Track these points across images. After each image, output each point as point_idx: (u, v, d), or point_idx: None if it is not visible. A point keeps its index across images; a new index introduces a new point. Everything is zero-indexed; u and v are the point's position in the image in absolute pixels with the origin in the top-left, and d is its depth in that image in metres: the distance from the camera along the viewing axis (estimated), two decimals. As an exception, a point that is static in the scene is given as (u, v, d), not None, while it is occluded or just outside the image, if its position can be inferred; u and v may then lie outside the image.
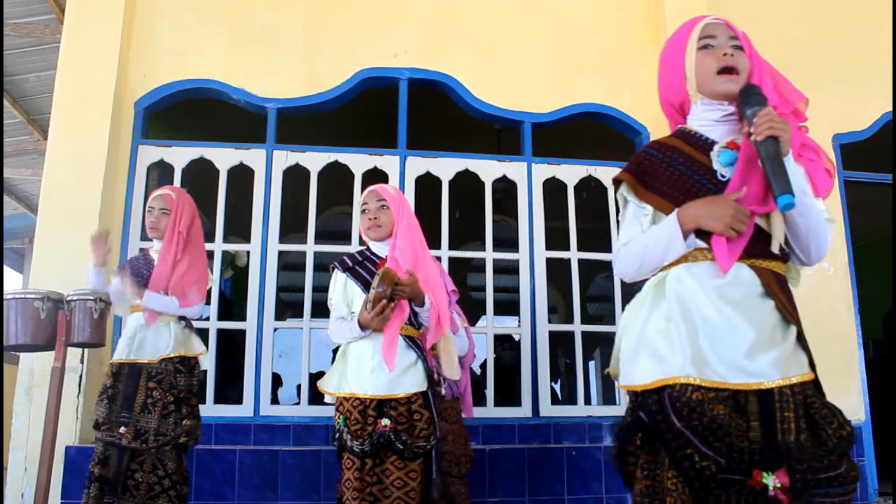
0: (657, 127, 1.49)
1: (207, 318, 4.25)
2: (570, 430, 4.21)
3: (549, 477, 3.87)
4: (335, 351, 5.12)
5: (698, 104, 1.59)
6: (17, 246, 10.34)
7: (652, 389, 1.41)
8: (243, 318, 4.27)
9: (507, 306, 8.07)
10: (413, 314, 2.55)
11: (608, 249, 4.48)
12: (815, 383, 1.43)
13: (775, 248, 1.49)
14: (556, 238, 4.55)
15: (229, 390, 5.61)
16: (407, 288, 2.43)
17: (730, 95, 1.53)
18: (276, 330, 4.25)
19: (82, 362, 3.77)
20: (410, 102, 4.53)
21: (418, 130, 4.57)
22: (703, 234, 1.46)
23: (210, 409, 4.05)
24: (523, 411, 4.25)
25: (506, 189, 4.85)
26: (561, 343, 7.25)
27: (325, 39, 4.52)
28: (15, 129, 6.96)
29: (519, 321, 4.48)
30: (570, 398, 8.16)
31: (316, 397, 4.33)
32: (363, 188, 4.38)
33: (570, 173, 4.58)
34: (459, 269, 7.69)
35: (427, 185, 4.48)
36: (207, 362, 3.13)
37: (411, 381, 2.48)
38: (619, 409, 4.56)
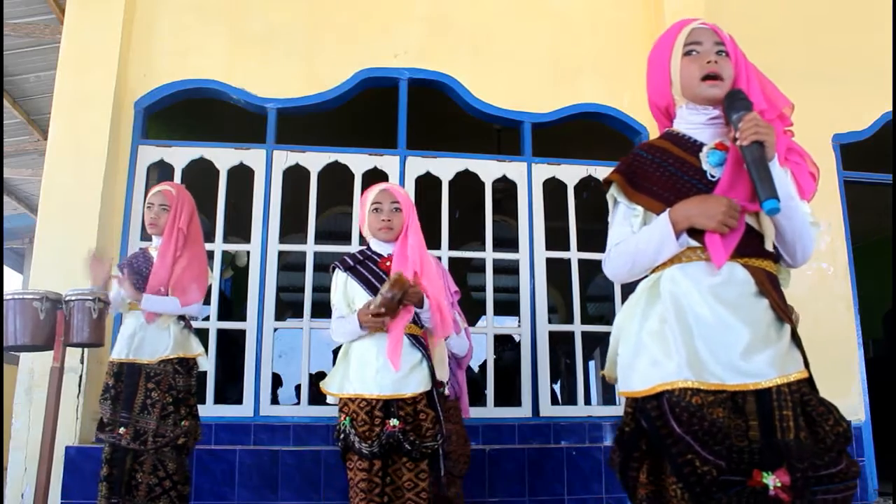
0: (657, 127, 1.49)
1: (207, 318, 4.25)
2: (570, 430, 4.21)
3: (549, 477, 3.87)
4: (335, 351, 5.14)
5: (683, 108, 1.60)
6: (17, 246, 10.34)
7: (651, 395, 1.40)
8: (243, 318, 4.27)
9: (507, 306, 8.08)
10: (415, 314, 2.54)
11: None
12: (810, 381, 1.44)
13: (769, 247, 1.49)
14: (556, 238, 4.55)
15: (229, 390, 5.61)
16: (418, 293, 2.44)
17: (714, 100, 1.55)
18: (276, 330, 4.25)
19: (82, 362, 3.77)
20: (410, 102, 4.53)
21: (418, 130, 4.57)
22: (695, 233, 1.47)
23: (210, 410, 4.05)
24: (523, 411, 4.25)
25: (506, 189, 4.85)
26: (561, 343, 7.25)
27: (325, 39, 4.52)
28: (15, 129, 6.96)
29: (519, 321, 4.48)
30: (570, 398, 8.16)
31: (316, 397, 4.33)
32: (363, 188, 4.40)
33: (570, 173, 4.58)
34: (459, 269, 7.69)
35: (427, 185, 4.48)
36: (206, 363, 3.12)
37: (417, 381, 2.47)
38: (619, 409, 4.56)
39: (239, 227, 4.72)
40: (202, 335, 5.39)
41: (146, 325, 2.94)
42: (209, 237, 4.67)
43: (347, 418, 2.43)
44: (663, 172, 1.55)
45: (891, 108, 4.71)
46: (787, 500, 1.30)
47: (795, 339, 1.45)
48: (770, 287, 1.47)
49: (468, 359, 3.29)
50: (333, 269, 2.64)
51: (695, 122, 1.59)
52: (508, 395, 5.29)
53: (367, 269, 2.57)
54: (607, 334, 1.65)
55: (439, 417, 2.48)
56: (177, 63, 4.36)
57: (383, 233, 2.58)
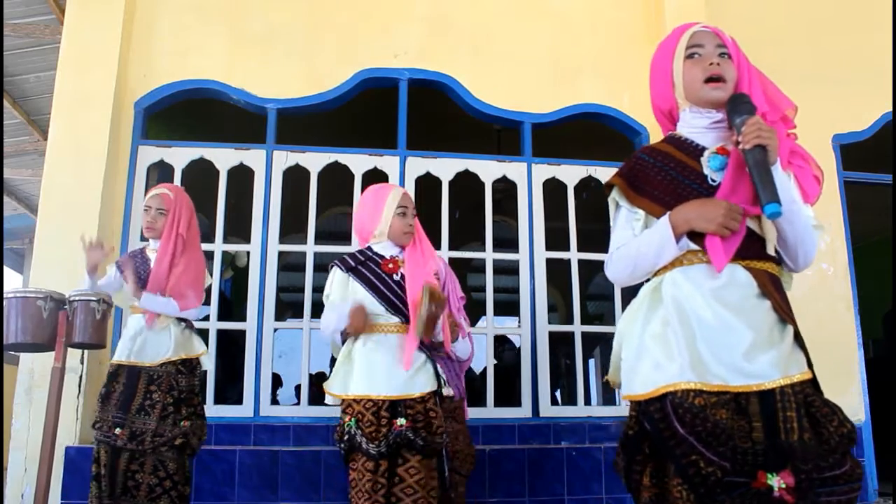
0: (657, 127, 1.49)
1: (207, 319, 4.25)
2: (570, 431, 4.22)
3: (549, 477, 3.87)
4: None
5: (687, 111, 1.61)
6: (17, 246, 10.34)
7: (654, 398, 1.41)
8: (243, 318, 4.27)
9: (507, 307, 8.07)
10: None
11: (608, 249, 4.48)
12: (814, 382, 1.44)
13: (770, 250, 1.50)
14: (556, 238, 4.55)
15: (229, 390, 5.61)
16: (444, 301, 2.49)
17: (717, 103, 1.55)
18: (276, 330, 4.25)
19: (82, 363, 3.77)
20: (410, 103, 4.53)
21: (418, 131, 4.57)
22: (696, 237, 1.47)
23: (210, 410, 4.04)
24: (523, 412, 4.25)
25: (506, 189, 4.85)
26: (561, 344, 7.25)
27: (325, 39, 4.52)
28: (15, 130, 6.96)
29: (519, 321, 4.48)
30: (570, 398, 8.16)
31: (316, 398, 4.33)
32: (363, 188, 4.39)
33: (570, 173, 4.58)
34: (459, 270, 7.69)
35: (427, 185, 4.48)
36: (208, 362, 3.13)
37: (424, 381, 2.48)
38: (619, 409, 4.56)
39: (239, 228, 4.72)
40: (202, 335, 5.39)
41: (148, 328, 2.93)
42: (209, 237, 4.67)
43: (353, 419, 2.42)
44: (665, 176, 1.56)
45: (891, 109, 4.71)
46: (791, 501, 1.30)
47: (798, 340, 1.45)
48: (772, 289, 1.47)
49: (469, 362, 3.30)
50: (332, 267, 2.62)
51: (698, 126, 1.59)
52: (508, 395, 5.29)
53: (370, 271, 2.56)
54: (607, 334, 1.66)
55: (454, 419, 2.51)
56: (177, 63, 4.36)
57: (407, 237, 2.58)
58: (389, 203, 2.59)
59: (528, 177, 4.54)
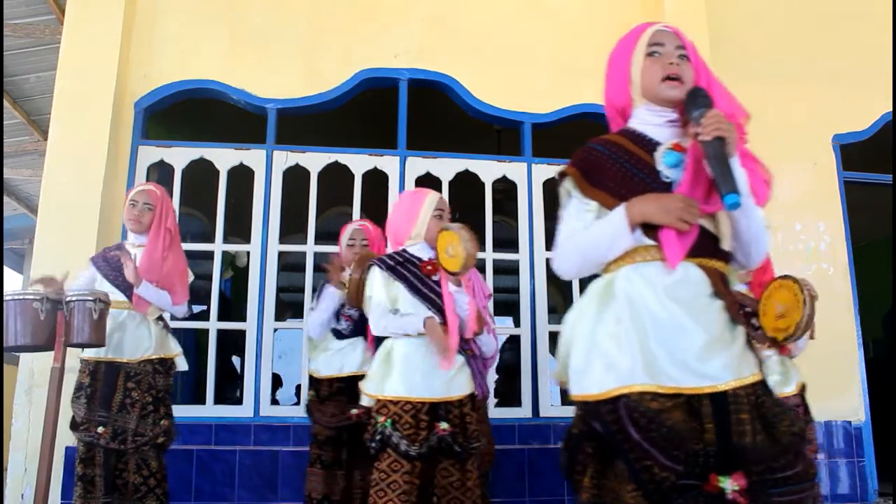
0: (610, 127, 1.50)
1: (207, 318, 4.25)
2: (570, 431, 4.21)
3: (549, 477, 3.87)
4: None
5: (642, 108, 1.59)
6: (17, 246, 10.34)
7: (606, 399, 1.37)
8: (243, 318, 4.27)
9: (507, 307, 8.07)
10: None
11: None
12: (764, 383, 1.42)
13: (727, 246, 1.48)
14: (556, 238, 4.54)
15: (228, 390, 5.62)
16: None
17: (673, 102, 1.54)
18: (276, 330, 4.26)
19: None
20: (410, 103, 4.53)
21: (418, 131, 4.57)
22: (650, 232, 1.45)
23: (210, 410, 4.05)
24: (523, 412, 4.25)
25: (506, 189, 4.85)
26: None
27: (325, 39, 4.52)
28: (15, 130, 6.96)
29: (519, 321, 4.48)
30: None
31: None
32: (363, 189, 4.41)
33: (570, 173, 4.56)
34: (459, 270, 7.68)
35: (427, 185, 4.46)
36: (184, 364, 3.17)
37: (461, 384, 2.51)
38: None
39: (239, 228, 4.72)
40: (203, 335, 5.39)
41: (124, 325, 2.94)
42: (209, 237, 4.68)
43: (388, 420, 2.43)
44: (619, 169, 1.53)
45: (891, 108, 4.71)
46: (743, 503, 1.28)
47: (749, 341, 1.44)
48: (724, 288, 1.46)
49: (493, 360, 3.31)
50: (370, 267, 2.65)
51: (652, 123, 1.57)
52: (508, 395, 5.29)
53: (409, 272, 2.59)
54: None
55: (477, 419, 2.52)
56: (177, 63, 4.36)
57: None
58: (427, 206, 2.64)
59: (528, 177, 4.54)
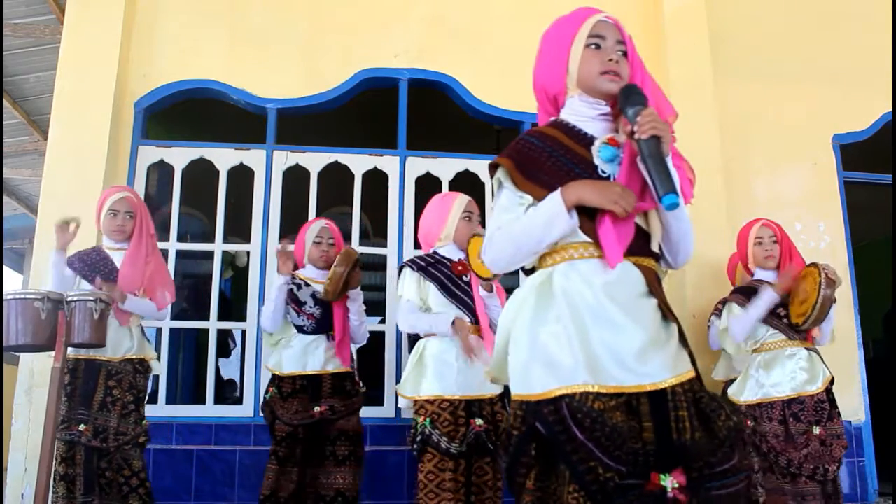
0: (538, 112, 1.51)
1: (207, 318, 4.25)
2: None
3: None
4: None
5: (575, 98, 1.57)
6: (17, 246, 10.34)
7: (547, 399, 1.35)
8: (243, 318, 4.27)
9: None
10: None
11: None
12: (699, 378, 1.42)
13: (655, 247, 1.47)
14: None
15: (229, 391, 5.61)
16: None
17: (609, 95, 1.52)
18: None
19: (82, 362, 3.77)
20: (410, 103, 4.53)
21: (418, 131, 4.57)
22: (587, 228, 1.43)
23: (210, 410, 4.05)
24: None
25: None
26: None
27: (325, 39, 4.52)
28: (15, 130, 6.96)
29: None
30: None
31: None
32: (363, 188, 4.41)
33: (570, 173, 4.57)
34: (459, 270, 7.68)
35: (427, 185, 4.48)
36: (158, 367, 3.20)
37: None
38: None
39: (239, 228, 4.72)
40: (203, 335, 5.39)
41: (108, 323, 2.95)
42: (209, 237, 4.68)
43: (427, 419, 2.47)
44: (554, 162, 1.51)
45: (891, 108, 4.71)
46: (684, 500, 1.28)
47: (682, 338, 1.44)
48: (657, 286, 1.45)
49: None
50: (402, 268, 2.75)
51: (585, 115, 1.56)
52: (508, 394, 5.28)
53: (441, 273, 2.67)
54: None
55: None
56: (177, 63, 4.36)
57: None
58: (456, 208, 2.70)
59: (528, 177, 4.53)
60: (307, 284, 3.24)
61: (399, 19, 4.61)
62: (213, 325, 4.25)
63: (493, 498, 2.49)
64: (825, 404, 2.96)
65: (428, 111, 4.70)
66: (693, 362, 1.43)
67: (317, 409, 3.07)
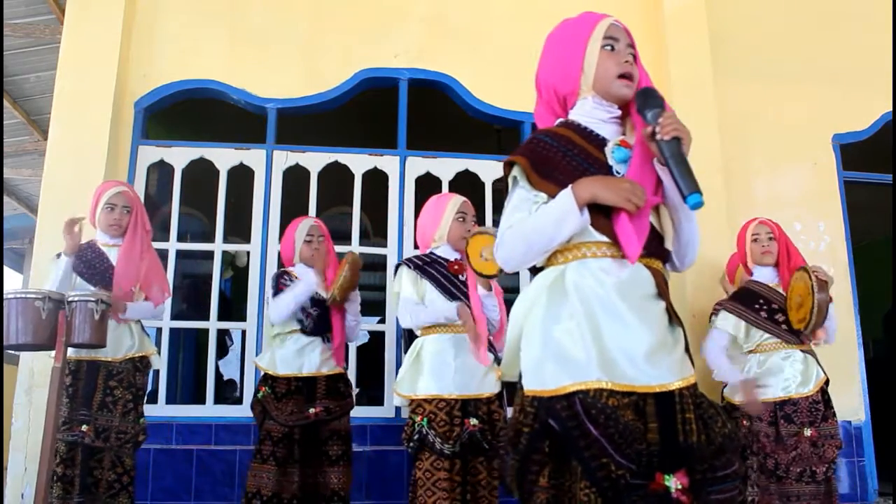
0: (537, 110, 1.50)
1: (207, 318, 4.25)
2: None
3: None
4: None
5: (588, 100, 1.57)
6: (17, 246, 10.34)
7: (560, 395, 1.35)
8: (243, 318, 4.27)
9: (510, 304, 8.07)
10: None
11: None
12: (696, 384, 1.43)
13: (670, 245, 1.49)
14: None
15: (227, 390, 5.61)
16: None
17: (623, 100, 1.54)
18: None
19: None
20: (410, 103, 4.53)
21: (418, 131, 4.57)
22: (602, 225, 1.44)
23: (210, 410, 4.05)
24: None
25: (506, 189, 4.84)
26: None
27: (325, 39, 4.52)
28: (15, 130, 6.96)
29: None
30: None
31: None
32: (363, 189, 4.41)
33: (570, 173, 4.56)
34: (459, 270, 7.68)
35: (427, 185, 4.48)
36: (158, 362, 3.19)
37: (491, 381, 2.57)
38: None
39: (239, 228, 4.72)
40: (203, 334, 5.39)
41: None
42: (209, 237, 4.68)
43: (424, 419, 2.47)
44: (569, 162, 1.51)
45: (891, 108, 4.71)
46: (686, 501, 1.29)
47: (686, 343, 1.45)
48: (665, 289, 1.46)
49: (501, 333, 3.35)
50: (399, 266, 2.78)
51: (597, 117, 1.56)
52: (509, 395, 5.28)
53: (437, 272, 2.69)
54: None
55: (506, 417, 2.56)
56: (177, 63, 4.36)
57: (465, 242, 2.66)
58: (449, 209, 2.72)
59: (528, 177, 4.53)
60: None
61: (399, 19, 4.61)
62: (213, 325, 4.25)
63: (488, 497, 2.48)
64: (819, 405, 2.96)
65: (428, 111, 4.70)
66: (693, 368, 1.44)
67: (312, 410, 3.08)
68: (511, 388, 1.57)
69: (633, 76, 1.52)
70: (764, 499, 2.92)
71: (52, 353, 2.68)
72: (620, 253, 1.44)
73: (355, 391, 3.29)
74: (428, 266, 2.69)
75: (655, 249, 1.48)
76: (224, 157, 4.35)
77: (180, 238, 4.38)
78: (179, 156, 4.33)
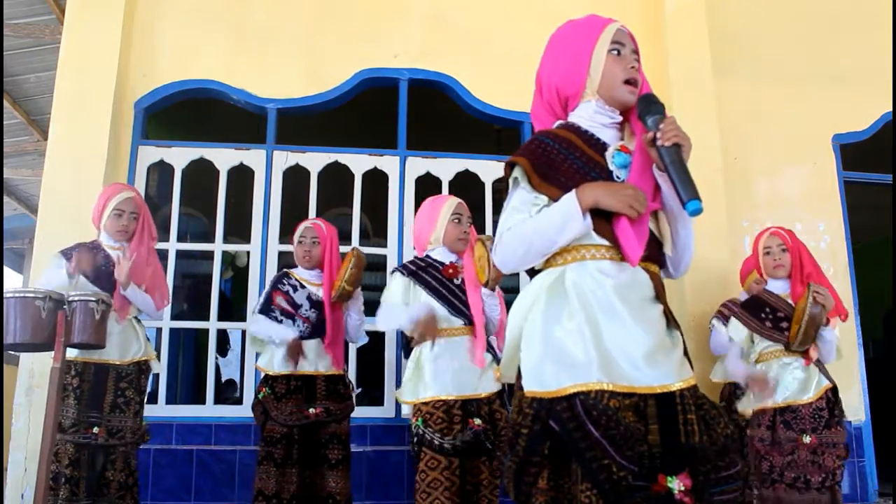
0: (534, 110, 1.48)
1: (207, 318, 4.25)
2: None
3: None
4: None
5: (592, 104, 1.56)
6: (17, 246, 10.35)
7: (561, 396, 1.35)
8: (243, 318, 4.27)
9: (509, 305, 8.07)
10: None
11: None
12: (696, 385, 1.43)
13: (669, 250, 1.50)
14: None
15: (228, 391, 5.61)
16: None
17: (627, 105, 1.54)
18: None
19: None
20: (410, 103, 4.53)
21: (418, 131, 4.57)
22: (603, 229, 1.44)
23: (210, 410, 4.05)
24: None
25: (506, 189, 4.84)
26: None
27: (325, 39, 4.52)
28: (15, 130, 6.97)
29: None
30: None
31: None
32: (363, 189, 4.41)
33: (570, 173, 4.56)
34: (459, 270, 7.67)
35: (427, 185, 4.48)
36: (157, 366, 3.22)
37: (490, 381, 2.56)
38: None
39: (239, 228, 4.72)
40: (203, 335, 5.39)
41: (110, 325, 2.92)
42: (209, 237, 4.67)
43: (420, 419, 2.48)
44: (570, 165, 1.51)
45: (891, 108, 4.71)
46: (689, 503, 1.29)
47: (684, 345, 1.46)
48: (662, 293, 1.47)
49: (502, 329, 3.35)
50: (393, 272, 2.77)
51: (598, 122, 1.56)
52: (508, 395, 5.28)
53: (431, 277, 2.68)
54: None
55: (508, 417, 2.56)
56: (177, 63, 4.36)
57: (461, 243, 2.66)
58: (445, 211, 2.71)
59: (528, 177, 4.53)
60: (302, 286, 3.25)
61: (399, 19, 4.61)
62: (213, 325, 4.25)
63: (489, 497, 2.48)
64: (823, 412, 2.92)
65: (428, 111, 4.70)
66: (692, 369, 1.45)
67: (312, 410, 3.09)
68: (511, 389, 1.57)
69: (638, 82, 1.53)
70: None
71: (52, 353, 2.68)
72: (619, 255, 1.44)
73: (357, 391, 3.29)
74: (422, 271, 2.68)
75: (653, 254, 1.49)
76: (224, 158, 4.35)
77: (180, 238, 4.38)
78: (179, 156, 4.33)
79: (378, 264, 4.39)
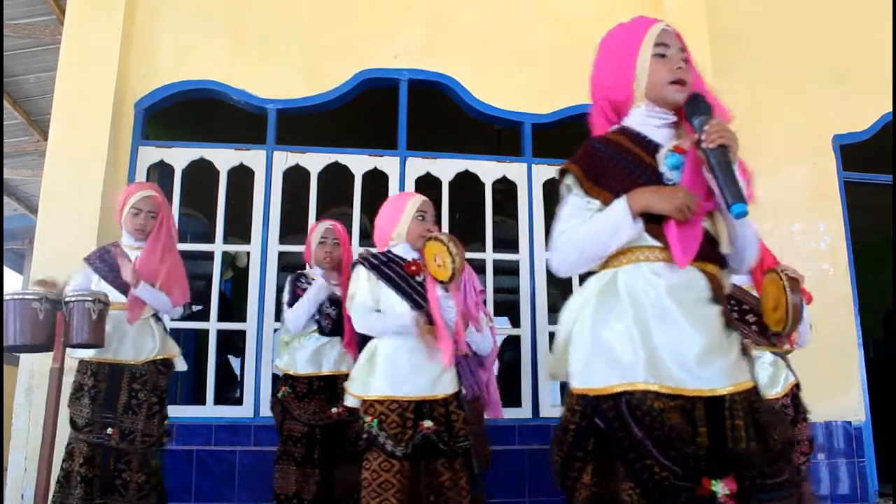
0: (593, 118, 1.49)
1: (207, 319, 4.25)
2: (570, 431, 4.20)
3: (549, 477, 3.86)
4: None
5: (642, 108, 1.57)
6: (17, 247, 10.35)
7: (607, 395, 1.37)
8: (243, 318, 4.27)
9: (507, 307, 8.07)
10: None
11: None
12: (756, 389, 1.42)
13: (726, 249, 1.49)
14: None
15: (225, 390, 5.60)
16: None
17: (677, 105, 1.54)
18: (276, 330, 4.25)
19: (82, 363, 3.77)
20: (410, 103, 4.53)
21: (418, 131, 4.57)
22: (655, 231, 1.45)
23: (210, 410, 4.05)
24: (523, 412, 4.25)
25: (506, 190, 4.85)
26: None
27: (325, 40, 4.52)
28: (15, 130, 6.97)
29: (519, 322, 4.48)
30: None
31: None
32: (363, 189, 4.41)
33: (570, 174, 4.56)
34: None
35: (427, 185, 4.47)
36: (182, 364, 3.18)
37: (448, 382, 2.52)
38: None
39: (239, 228, 4.72)
40: (203, 335, 5.38)
41: (127, 326, 2.94)
42: (209, 237, 4.67)
43: (375, 420, 2.44)
44: (622, 169, 1.52)
45: (891, 109, 4.71)
46: None
47: (744, 348, 1.45)
48: (721, 294, 1.47)
49: (492, 359, 3.32)
50: (355, 265, 2.69)
51: (651, 124, 1.57)
52: (509, 395, 5.28)
53: (394, 272, 2.63)
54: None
55: (467, 418, 2.53)
56: (177, 63, 4.36)
57: (422, 241, 2.62)
58: (409, 208, 2.67)
59: (528, 177, 4.54)
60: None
61: (399, 19, 4.61)
62: (213, 325, 4.26)
63: (455, 498, 2.43)
64: (789, 409, 2.91)
65: (428, 111, 4.70)
66: (752, 373, 1.44)
67: (334, 409, 3.11)
68: (563, 388, 1.57)
69: (686, 81, 1.52)
70: None
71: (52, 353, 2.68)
72: None
73: None
74: (384, 266, 2.62)
75: (709, 254, 1.48)
76: (224, 158, 4.35)
77: (180, 239, 4.35)
78: (179, 156, 4.34)
79: (378, 264, 4.38)
